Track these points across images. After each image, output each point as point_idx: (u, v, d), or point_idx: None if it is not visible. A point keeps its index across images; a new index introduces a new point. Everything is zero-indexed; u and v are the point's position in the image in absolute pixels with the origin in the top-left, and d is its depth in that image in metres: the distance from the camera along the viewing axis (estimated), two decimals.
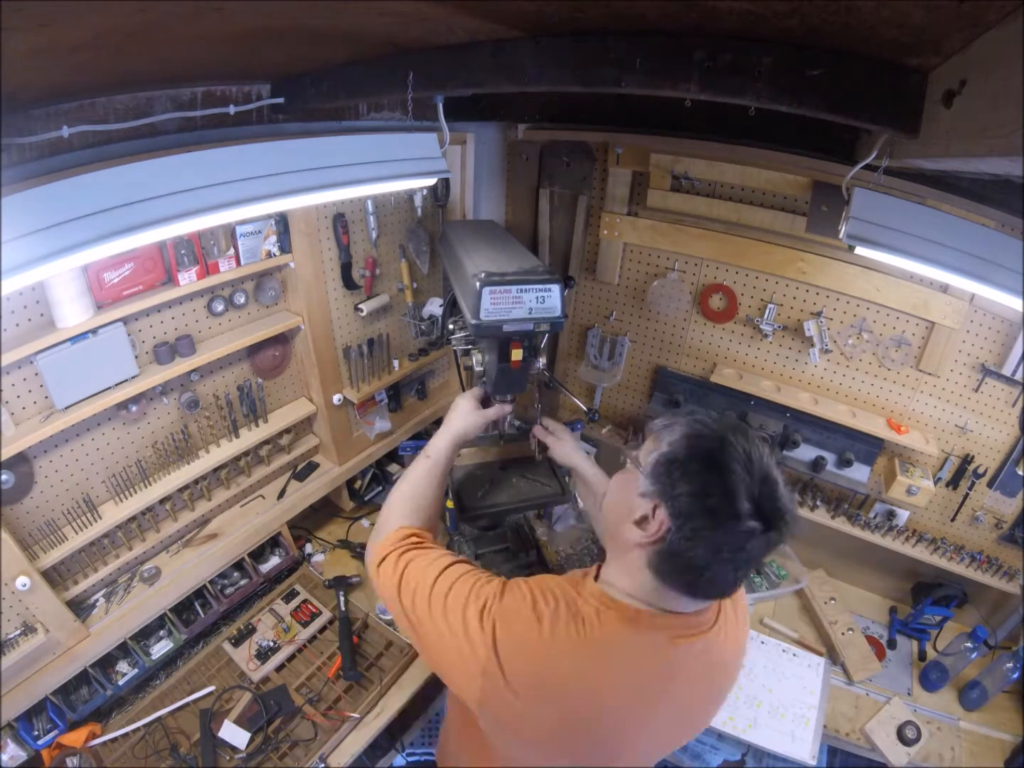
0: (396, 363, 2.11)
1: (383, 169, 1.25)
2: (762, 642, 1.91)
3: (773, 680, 1.83)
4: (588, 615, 0.87)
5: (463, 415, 1.31)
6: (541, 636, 0.86)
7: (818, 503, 2.10)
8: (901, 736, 1.75)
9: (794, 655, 1.91)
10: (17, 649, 1.39)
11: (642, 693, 0.90)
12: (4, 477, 1.32)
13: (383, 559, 1.03)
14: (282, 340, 1.85)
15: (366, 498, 2.33)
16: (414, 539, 1.06)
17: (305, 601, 1.97)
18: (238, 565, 1.91)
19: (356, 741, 1.64)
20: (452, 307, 1.66)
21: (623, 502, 0.89)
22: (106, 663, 1.64)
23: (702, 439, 0.86)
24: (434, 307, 2.08)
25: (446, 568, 0.97)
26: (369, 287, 1.94)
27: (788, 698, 1.79)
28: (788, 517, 0.80)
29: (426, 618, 0.93)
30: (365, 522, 2.35)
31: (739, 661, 1.03)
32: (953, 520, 1.97)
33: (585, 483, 1.43)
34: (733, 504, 0.77)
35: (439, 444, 1.26)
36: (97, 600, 1.61)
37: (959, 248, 1.16)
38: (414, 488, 1.19)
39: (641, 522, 0.84)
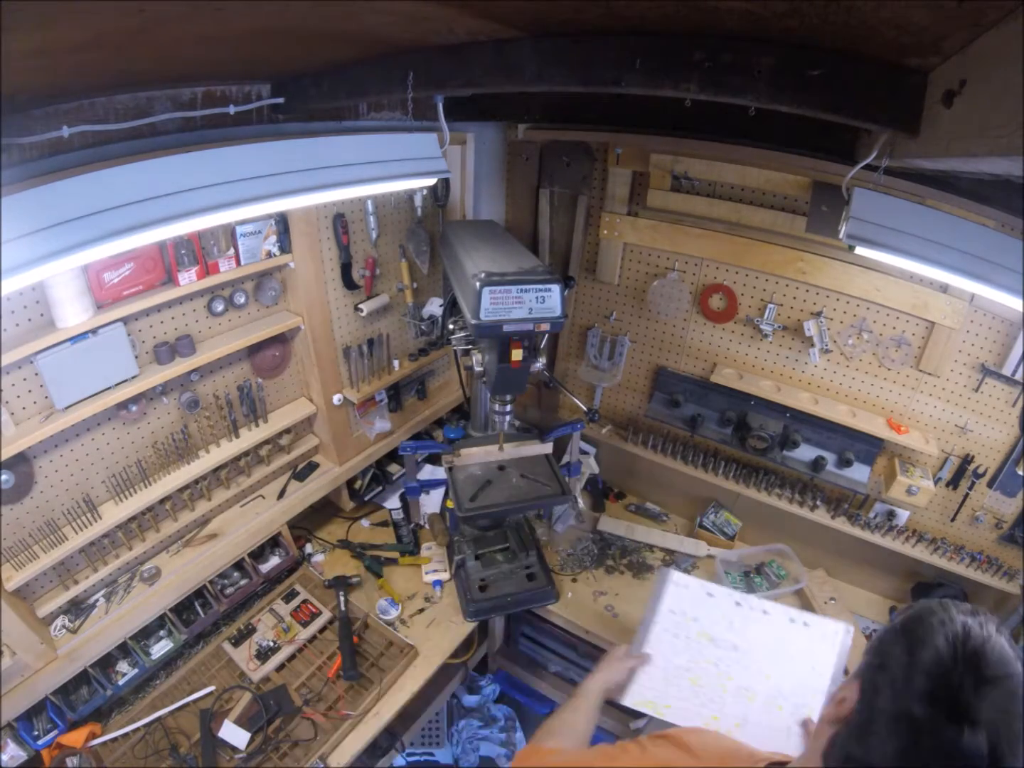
0: (396, 363, 2.11)
1: (383, 169, 1.25)
2: (764, 611, 1.47)
3: (774, 663, 1.43)
4: None
5: (611, 663, 1.37)
6: None
7: (818, 503, 2.10)
8: None
9: (805, 624, 1.47)
10: None
11: None
12: (4, 477, 1.32)
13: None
14: (282, 340, 1.85)
15: (366, 498, 2.33)
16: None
17: (305, 601, 1.97)
18: (238, 565, 1.91)
19: (356, 741, 1.64)
20: (452, 307, 1.67)
21: None
22: (106, 663, 1.64)
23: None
24: (434, 307, 2.08)
25: None
26: (369, 287, 1.94)
27: (790, 685, 1.41)
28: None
29: None
30: (365, 522, 2.35)
31: None
32: (953, 520, 1.97)
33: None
34: (904, 699, 0.61)
35: (590, 686, 1.30)
36: (97, 600, 1.61)
37: (959, 248, 1.16)
38: (562, 723, 1.22)
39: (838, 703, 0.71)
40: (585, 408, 1.72)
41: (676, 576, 1.50)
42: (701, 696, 1.35)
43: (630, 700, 1.35)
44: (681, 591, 1.48)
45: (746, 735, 1.29)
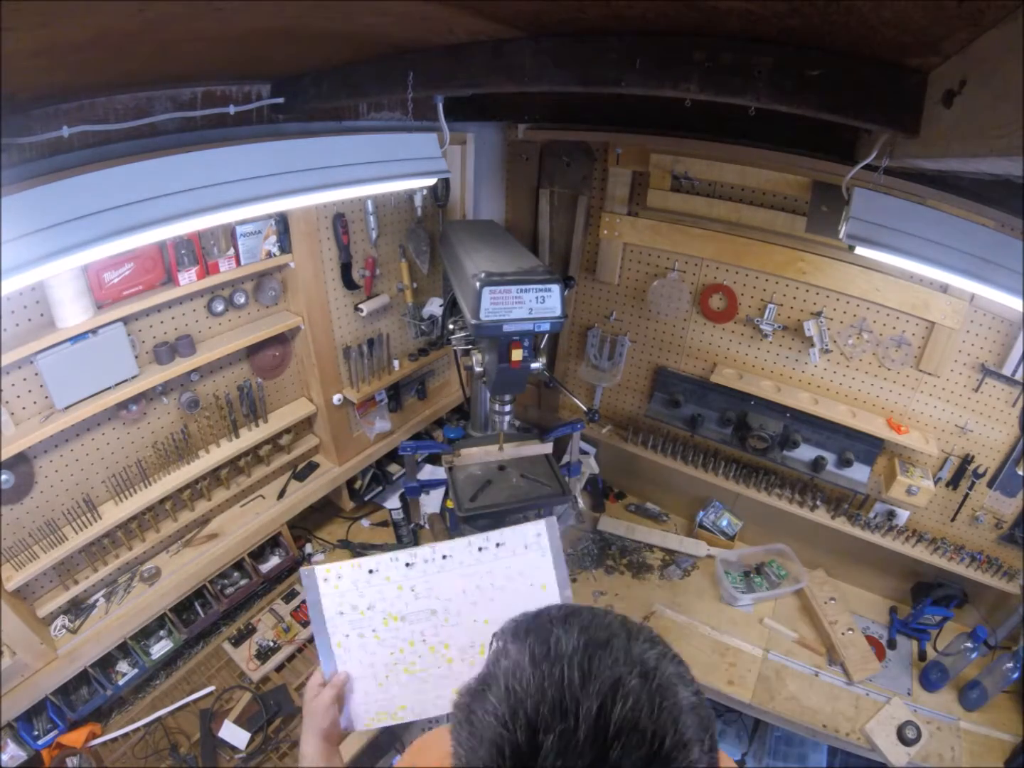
0: (396, 363, 2.11)
1: (383, 169, 1.25)
2: (444, 556, 1.18)
3: (484, 605, 1.19)
4: None
5: (310, 710, 1.06)
6: None
7: (818, 503, 2.10)
8: (901, 736, 1.75)
9: (497, 544, 1.19)
10: None
11: None
12: (4, 477, 1.32)
13: None
14: (282, 340, 1.85)
15: (366, 498, 2.33)
16: None
17: (305, 601, 1.97)
18: (238, 565, 1.91)
19: (356, 741, 1.64)
20: (452, 307, 1.66)
21: None
22: (106, 663, 1.64)
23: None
24: (434, 307, 2.08)
25: None
26: (369, 287, 1.94)
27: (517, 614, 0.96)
28: None
29: None
30: (365, 522, 2.35)
31: None
32: (953, 520, 1.97)
33: None
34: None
35: (305, 751, 1.01)
36: (97, 600, 1.61)
37: (959, 248, 1.16)
38: None
39: None
40: (585, 408, 1.72)
41: (321, 571, 1.20)
42: (428, 679, 1.16)
43: (360, 725, 1.14)
44: (336, 584, 1.20)
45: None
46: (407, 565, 1.20)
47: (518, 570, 1.19)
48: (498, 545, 1.19)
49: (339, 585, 1.20)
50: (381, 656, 1.17)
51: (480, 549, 1.19)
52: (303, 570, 1.18)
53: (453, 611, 1.19)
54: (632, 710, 0.45)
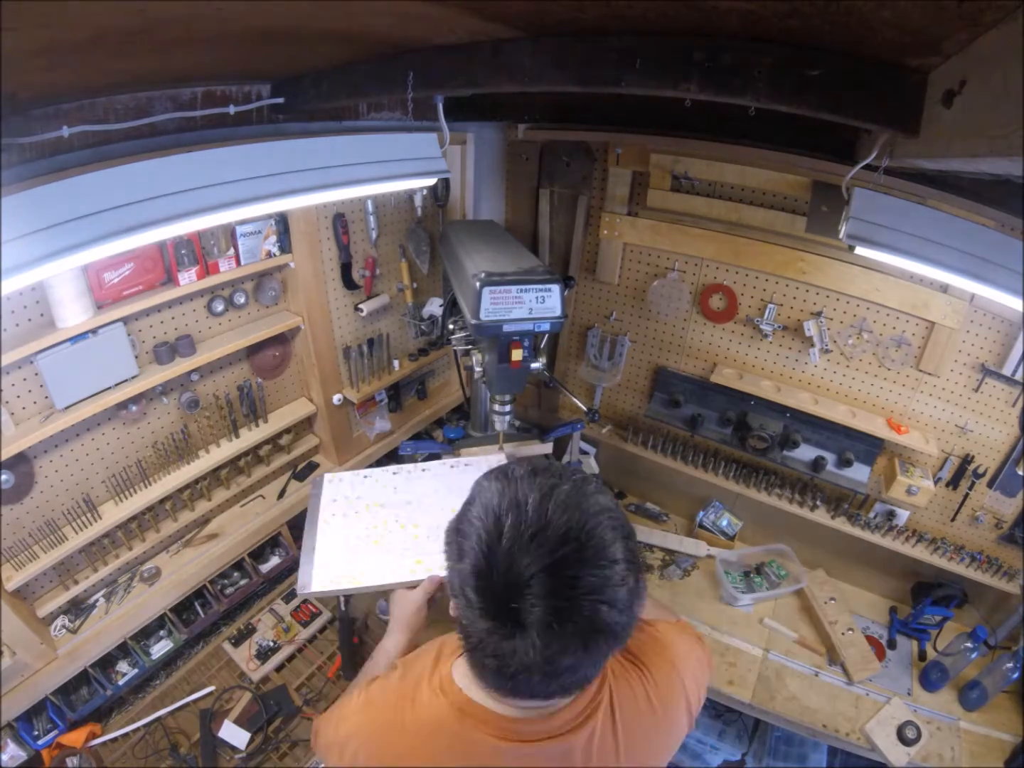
0: (396, 363, 2.11)
1: (383, 169, 1.25)
2: (423, 470, 1.57)
3: (455, 499, 1.19)
4: (420, 699, 0.80)
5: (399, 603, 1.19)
6: (368, 716, 0.84)
7: (818, 503, 2.10)
8: (901, 736, 1.75)
9: (467, 465, 1.58)
10: None
11: None
12: (4, 477, 1.32)
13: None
14: (282, 340, 1.85)
15: None
16: None
17: (305, 601, 1.97)
18: (238, 565, 1.91)
19: None
20: (452, 307, 1.66)
21: None
22: (106, 663, 1.64)
23: (477, 488, 0.75)
24: (434, 307, 2.08)
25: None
26: (369, 287, 1.94)
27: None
28: (541, 616, 0.62)
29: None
30: None
31: None
32: (953, 520, 1.97)
33: None
34: (463, 588, 0.67)
35: (388, 644, 1.13)
36: (97, 600, 1.62)
37: (959, 248, 1.16)
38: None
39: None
40: (585, 408, 1.72)
41: (328, 475, 1.54)
42: (393, 550, 1.32)
43: (319, 587, 1.24)
44: (337, 484, 1.52)
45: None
46: (394, 474, 1.56)
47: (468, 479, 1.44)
48: (466, 465, 1.58)
49: (339, 483, 1.52)
50: (356, 530, 1.39)
51: (452, 467, 1.58)
52: (315, 478, 1.53)
53: (426, 502, 1.46)
54: (563, 502, 0.65)
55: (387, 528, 1.38)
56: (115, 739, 1.59)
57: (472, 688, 0.78)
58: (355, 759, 0.83)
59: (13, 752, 1.46)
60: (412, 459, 1.81)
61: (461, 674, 0.81)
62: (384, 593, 1.48)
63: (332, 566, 1.29)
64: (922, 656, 2.01)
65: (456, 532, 0.72)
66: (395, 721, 0.80)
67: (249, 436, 1.82)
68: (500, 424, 1.63)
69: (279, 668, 1.79)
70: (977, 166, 0.70)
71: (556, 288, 1.28)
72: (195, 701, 1.69)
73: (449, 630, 0.81)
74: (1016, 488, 1.82)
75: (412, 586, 1.18)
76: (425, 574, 1.21)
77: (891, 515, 2.02)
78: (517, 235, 1.82)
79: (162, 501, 1.65)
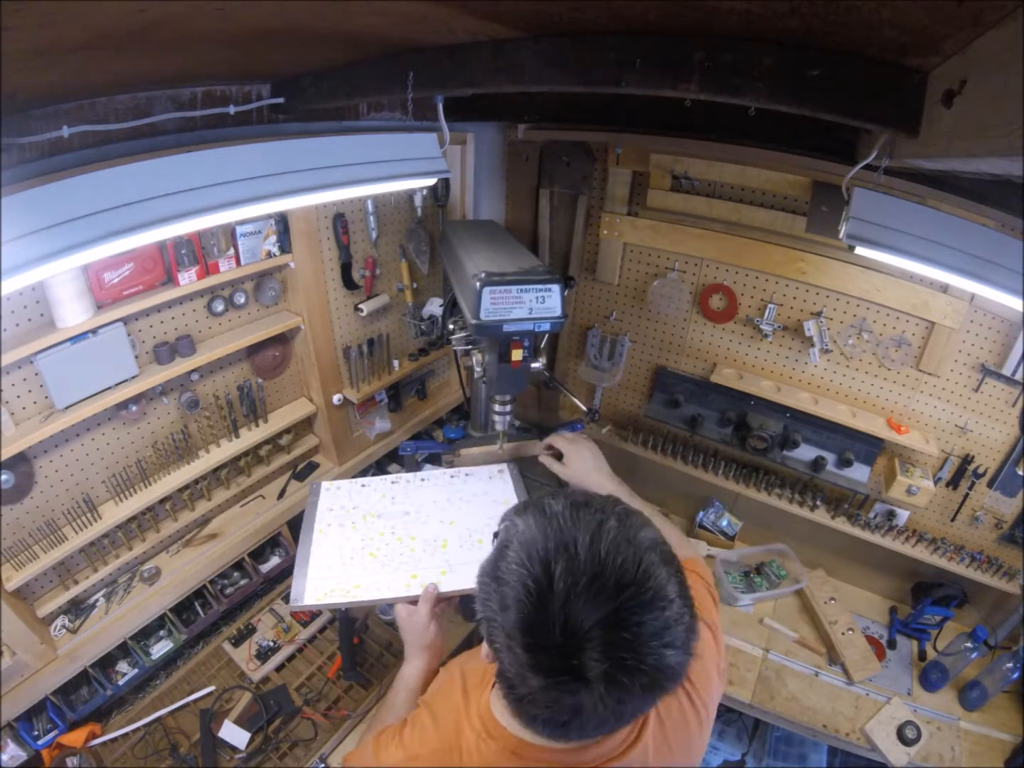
0: (396, 363, 2.11)
1: (383, 169, 1.25)
2: (423, 480, 1.55)
3: (453, 511, 1.44)
4: (468, 747, 0.75)
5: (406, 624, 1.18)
6: None
7: (818, 503, 2.10)
8: (901, 736, 1.75)
9: (467, 475, 1.56)
10: None
11: None
12: (4, 477, 1.32)
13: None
14: (282, 340, 1.85)
15: None
16: None
17: None
18: (238, 565, 1.91)
19: (356, 741, 1.64)
20: (452, 307, 1.66)
21: None
22: (106, 663, 1.64)
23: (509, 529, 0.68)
24: (434, 307, 2.08)
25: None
26: (369, 287, 1.94)
27: (480, 520, 1.40)
28: (606, 670, 0.57)
29: None
30: None
31: None
32: (953, 520, 1.97)
33: None
34: (508, 643, 0.62)
35: (408, 671, 1.14)
36: (97, 600, 1.61)
37: (959, 248, 1.16)
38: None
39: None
40: (585, 408, 1.72)
41: (325, 483, 1.53)
42: (388, 564, 1.31)
43: (311, 599, 1.22)
44: (335, 492, 1.50)
45: (457, 577, 1.26)
46: (392, 483, 1.54)
47: (483, 490, 1.49)
48: (467, 475, 1.55)
49: (336, 492, 1.50)
50: (352, 541, 1.37)
51: (452, 477, 1.55)
52: (312, 484, 1.51)
53: (424, 513, 1.44)
54: (614, 540, 0.61)
55: (383, 540, 1.37)
56: (115, 739, 1.59)
57: (514, 724, 0.74)
58: None
59: (13, 752, 1.46)
60: (412, 459, 1.81)
61: (500, 710, 0.76)
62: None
63: (326, 579, 1.27)
64: (922, 656, 2.01)
65: (494, 580, 0.65)
66: None
67: (249, 436, 1.82)
68: (500, 424, 1.63)
69: (279, 668, 1.79)
70: (977, 166, 0.70)
71: (556, 288, 1.28)
72: (195, 701, 1.69)
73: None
74: (1016, 488, 1.82)
75: (411, 601, 1.17)
76: (420, 589, 1.20)
77: (891, 515, 2.02)
78: (517, 235, 1.82)
79: (162, 501, 1.65)
